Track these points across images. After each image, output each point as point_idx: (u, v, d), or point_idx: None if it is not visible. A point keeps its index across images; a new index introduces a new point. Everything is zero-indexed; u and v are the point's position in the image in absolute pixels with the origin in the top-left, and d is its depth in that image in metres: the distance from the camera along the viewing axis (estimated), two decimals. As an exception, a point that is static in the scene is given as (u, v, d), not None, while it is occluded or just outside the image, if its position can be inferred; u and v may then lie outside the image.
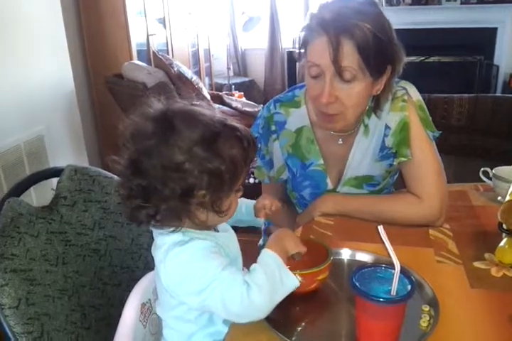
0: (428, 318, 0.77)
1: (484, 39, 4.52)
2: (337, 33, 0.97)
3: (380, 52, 0.99)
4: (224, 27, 5.09)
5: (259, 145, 1.25)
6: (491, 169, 1.28)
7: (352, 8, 0.99)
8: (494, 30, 4.50)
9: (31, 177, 0.97)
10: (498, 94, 4.37)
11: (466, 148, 2.31)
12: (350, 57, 0.98)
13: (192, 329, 0.82)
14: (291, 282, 0.75)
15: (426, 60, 4.56)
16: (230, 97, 3.84)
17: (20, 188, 0.93)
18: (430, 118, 1.17)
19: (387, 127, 1.15)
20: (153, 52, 3.35)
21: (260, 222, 0.98)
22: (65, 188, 0.95)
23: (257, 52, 5.14)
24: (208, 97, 3.36)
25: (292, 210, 1.34)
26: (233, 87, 4.62)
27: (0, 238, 0.79)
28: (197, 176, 0.72)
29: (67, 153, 2.75)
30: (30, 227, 0.84)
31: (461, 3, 4.40)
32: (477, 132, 2.31)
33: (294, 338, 0.75)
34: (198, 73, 4.31)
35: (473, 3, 4.40)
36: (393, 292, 0.68)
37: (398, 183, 1.29)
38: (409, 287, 0.68)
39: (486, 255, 0.98)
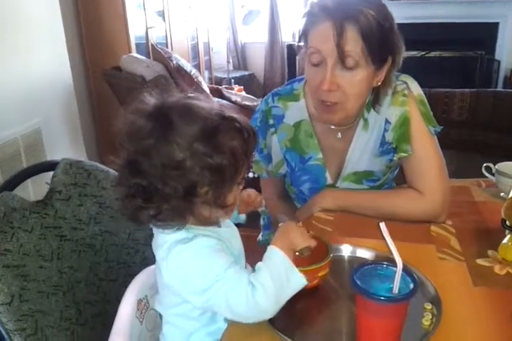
0: (430, 317, 0.76)
1: (485, 34, 4.49)
2: (341, 19, 0.97)
3: (382, 40, 0.99)
4: (224, 20, 5.05)
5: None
6: (492, 164, 1.27)
7: None
8: (496, 25, 4.47)
9: (25, 171, 0.96)
10: (499, 89, 4.34)
11: (466, 143, 2.29)
12: (353, 42, 0.97)
13: (194, 327, 0.81)
14: (297, 281, 0.72)
15: (427, 55, 4.53)
16: (230, 91, 3.82)
17: (14, 182, 0.91)
18: (431, 113, 1.15)
19: (387, 122, 1.14)
20: (152, 45, 3.32)
21: (243, 217, 0.94)
22: (59, 182, 0.93)
23: (257, 46, 5.10)
24: (208, 91, 3.33)
25: (291, 205, 1.32)
26: (233, 80, 4.59)
27: (-7, 233, 0.77)
28: (198, 173, 0.70)
29: (65, 146, 2.73)
30: (24, 222, 0.82)
31: (463, -3, 4.37)
32: (478, 127, 2.29)
33: (293, 336, 0.73)
34: (197, 67, 4.28)
35: (474, -2, 4.37)
36: (395, 290, 0.66)
37: (399, 178, 1.27)
38: (411, 285, 0.67)
39: (489, 252, 0.96)
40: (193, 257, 0.72)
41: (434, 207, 1.09)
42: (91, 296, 0.90)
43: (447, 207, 1.10)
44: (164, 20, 3.71)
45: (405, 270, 0.67)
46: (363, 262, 0.74)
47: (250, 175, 1.31)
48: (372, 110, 1.14)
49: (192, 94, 0.77)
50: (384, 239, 0.68)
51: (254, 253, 0.76)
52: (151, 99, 0.74)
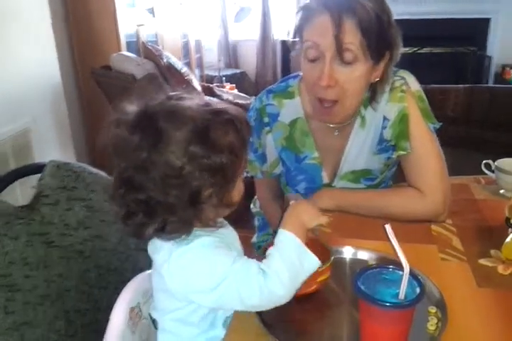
0: (436, 321, 0.73)
1: (477, 30, 4.49)
2: (340, 11, 0.94)
3: (381, 34, 0.97)
4: (215, 18, 5.00)
5: (251, 139, 1.20)
6: (491, 161, 1.24)
7: None
8: (487, 21, 4.46)
9: (10, 174, 0.91)
10: (491, 84, 4.34)
11: (463, 140, 2.27)
12: (352, 35, 0.95)
13: (192, 333, 0.78)
14: (311, 263, 0.70)
15: (418, 51, 4.51)
16: (221, 89, 3.78)
17: (-1, 186, 0.87)
18: (430, 109, 1.12)
19: (385, 119, 1.11)
20: (143, 43, 3.27)
21: None
22: (46, 186, 0.89)
23: (249, 44, 5.06)
24: (199, 89, 3.29)
25: (287, 206, 1.29)
26: (224, 78, 4.54)
27: (-25, 241, 0.73)
28: (200, 177, 0.66)
29: (54, 146, 2.68)
30: (9, 229, 0.78)
31: (455, -7, 4.35)
32: (474, 124, 2.28)
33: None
34: (188, 65, 4.22)
35: (466, -7, 4.36)
36: (401, 295, 0.63)
37: (397, 176, 1.24)
38: (417, 289, 0.64)
39: (492, 251, 0.94)
40: (196, 257, 0.69)
41: (436, 207, 1.06)
42: (81, 305, 0.87)
43: (448, 206, 1.07)
44: (155, 18, 3.66)
45: (411, 273, 0.64)
46: (366, 266, 0.71)
47: (244, 174, 1.27)
48: (369, 107, 1.11)
49: (174, 93, 0.72)
50: (389, 241, 0.65)
51: (250, 256, 0.73)
52: (130, 107, 0.70)
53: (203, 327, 0.77)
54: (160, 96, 0.71)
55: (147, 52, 3.17)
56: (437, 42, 4.53)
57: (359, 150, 1.15)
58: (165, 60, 3.07)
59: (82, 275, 0.89)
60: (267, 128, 1.18)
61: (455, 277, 0.87)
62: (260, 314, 0.75)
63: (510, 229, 0.94)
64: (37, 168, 0.93)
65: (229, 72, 4.84)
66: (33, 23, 2.46)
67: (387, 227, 0.65)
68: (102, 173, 0.97)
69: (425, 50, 4.59)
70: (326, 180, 1.19)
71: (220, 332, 0.77)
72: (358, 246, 0.93)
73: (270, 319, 0.74)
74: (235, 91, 4.05)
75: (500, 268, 0.89)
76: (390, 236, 0.64)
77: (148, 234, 0.70)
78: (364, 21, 0.94)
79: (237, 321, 0.76)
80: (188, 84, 3.12)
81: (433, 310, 0.75)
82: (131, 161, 0.66)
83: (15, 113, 2.31)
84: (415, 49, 4.48)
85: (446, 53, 4.63)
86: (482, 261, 0.91)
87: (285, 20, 4.80)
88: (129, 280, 0.84)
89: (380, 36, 0.97)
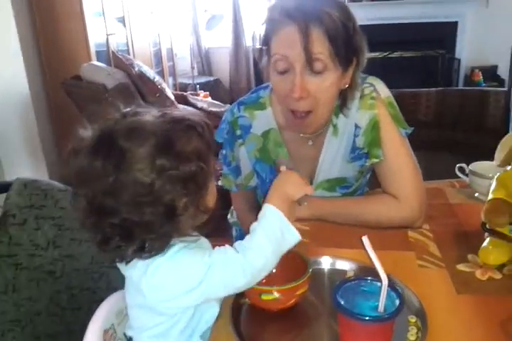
0: (416, 331, 0.72)
1: (445, 33, 4.57)
2: (306, 21, 0.93)
3: (348, 41, 0.97)
4: (187, 25, 4.98)
5: (224, 152, 1.18)
6: (462, 163, 1.25)
7: None
8: (455, 24, 4.55)
9: (-26, 194, 0.88)
10: (461, 87, 4.43)
11: (435, 143, 2.30)
12: (320, 44, 0.94)
13: None
14: (292, 238, 0.73)
15: (389, 56, 4.58)
16: (195, 97, 3.75)
17: (-38, 207, 0.83)
18: (401, 114, 1.13)
19: (357, 126, 1.11)
20: (113, 52, 3.23)
21: None
22: (13, 205, 0.86)
23: (221, 51, 5.05)
24: (172, 98, 3.26)
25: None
26: (198, 86, 4.52)
27: None
28: (172, 189, 0.65)
29: (24, 161, 2.60)
30: (-27, 252, 0.75)
31: (422, -2, 4.44)
32: (446, 126, 2.31)
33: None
34: (161, 73, 4.19)
35: (433, -2, 4.45)
36: (381, 308, 0.62)
37: (373, 183, 1.24)
38: (397, 301, 0.63)
39: (469, 256, 0.94)
40: (173, 264, 0.69)
41: (411, 212, 1.06)
42: (53, 328, 0.83)
43: (424, 212, 1.07)
44: (125, 27, 3.62)
45: (390, 284, 0.64)
46: (344, 278, 0.70)
47: (220, 183, 1.26)
48: (340, 115, 1.11)
49: (127, 110, 0.71)
50: (367, 253, 0.64)
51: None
52: (85, 133, 0.68)
53: (181, 340, 0.76)
54: (114, 115, 0.69)
55: (118, 61, 3.13)
56: (407, 46, 4.61)
57: (333, 159, 1.14)
58: (136, 69, 3.03)
59: (54, 296, 0.86)
60: (240, 141, 1.17)
61: (434, 284, 0.86)
62: (239, 328, 0.73)
63: (486, 234, 0.95)
64: (3, 187, 0.90)
65: (203, 79, 4.82)
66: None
67: (365, 239, 0.64)
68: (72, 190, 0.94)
69: (396, 54, 4.66)
70: (302, 189, 1.18)
71: None
72: (336, 256, 0.92)
73: (249, 333, 0.72)
74: (209, 99, 4.03)
75: (478, 273, 0.89)
76: (367, 249, 0.63)
77: (128, 257, 0.68)
78: (331, 30, 0.93)
79: (216, 333, 0.75)
80: (160, 92, 3.08)
81: (413, 319, 0.75)
82: (98, 188, 0.65)
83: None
84: (385, 53, 4.55)
85: (416, 57, 4.71)
86: (460, 267, 0.91)
87: (257, 27, 4.81)
88: (103, 299, 0.81)
89: (347, 43, 0.96)
